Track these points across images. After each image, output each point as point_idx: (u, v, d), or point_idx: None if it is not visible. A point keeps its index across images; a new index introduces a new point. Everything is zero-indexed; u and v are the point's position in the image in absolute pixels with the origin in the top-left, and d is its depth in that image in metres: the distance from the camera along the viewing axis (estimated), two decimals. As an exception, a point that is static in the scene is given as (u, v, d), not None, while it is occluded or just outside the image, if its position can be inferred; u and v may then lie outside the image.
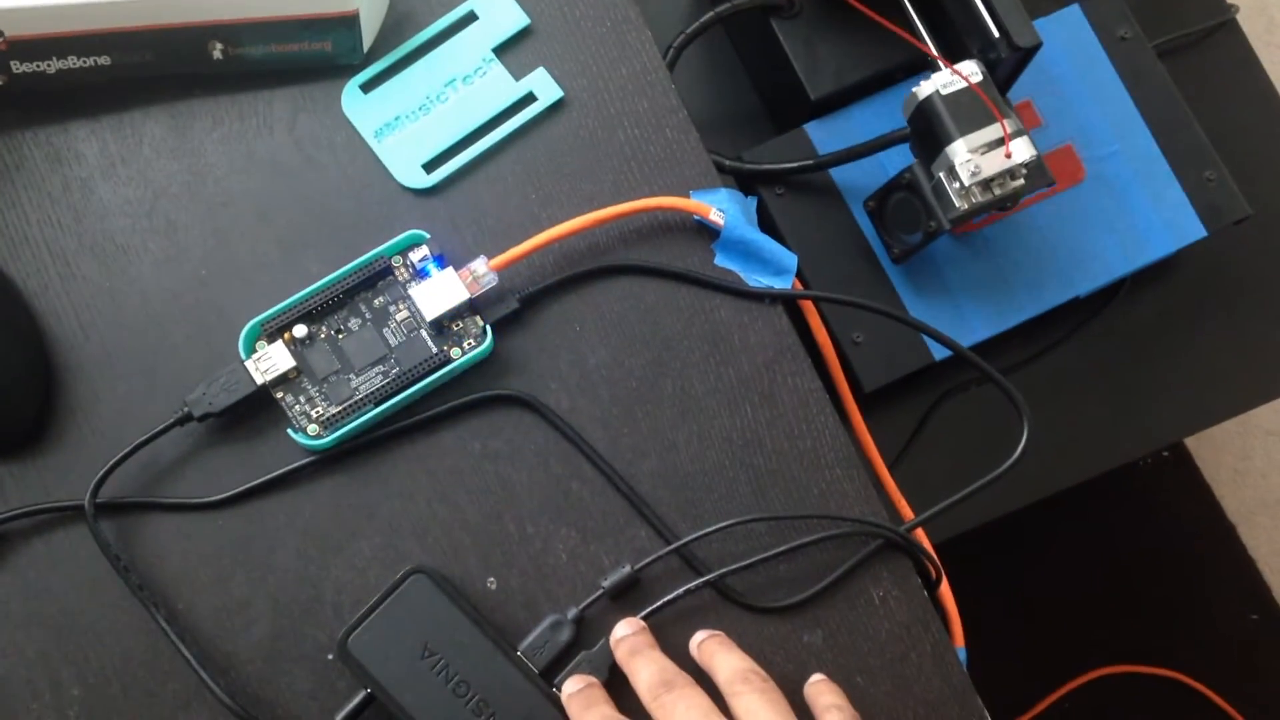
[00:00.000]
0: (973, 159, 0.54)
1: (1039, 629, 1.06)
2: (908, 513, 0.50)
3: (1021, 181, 0.56)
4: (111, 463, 0.43)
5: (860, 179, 0.67)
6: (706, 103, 0.73)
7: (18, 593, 0.44)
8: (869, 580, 0.46)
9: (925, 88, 0.55)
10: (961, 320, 0.66)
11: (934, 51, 0.58)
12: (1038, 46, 0.56)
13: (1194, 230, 0.68)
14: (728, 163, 0.65)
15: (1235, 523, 1.10)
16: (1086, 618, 1.08)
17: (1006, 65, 0.57)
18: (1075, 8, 0.70)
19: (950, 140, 0.55)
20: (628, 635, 0.44)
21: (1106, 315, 0.72)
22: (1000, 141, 0.55)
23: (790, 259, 0.48)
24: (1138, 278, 0.71)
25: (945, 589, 0.47)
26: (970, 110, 0.55)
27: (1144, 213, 0.68)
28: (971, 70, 0.55)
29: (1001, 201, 0.57)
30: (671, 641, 0.45)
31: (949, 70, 0.55)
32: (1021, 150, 0.55)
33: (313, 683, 0.44)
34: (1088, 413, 0.71)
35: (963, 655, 0.47)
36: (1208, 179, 0.68)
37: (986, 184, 0.56)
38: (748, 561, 0.45)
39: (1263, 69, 0.77)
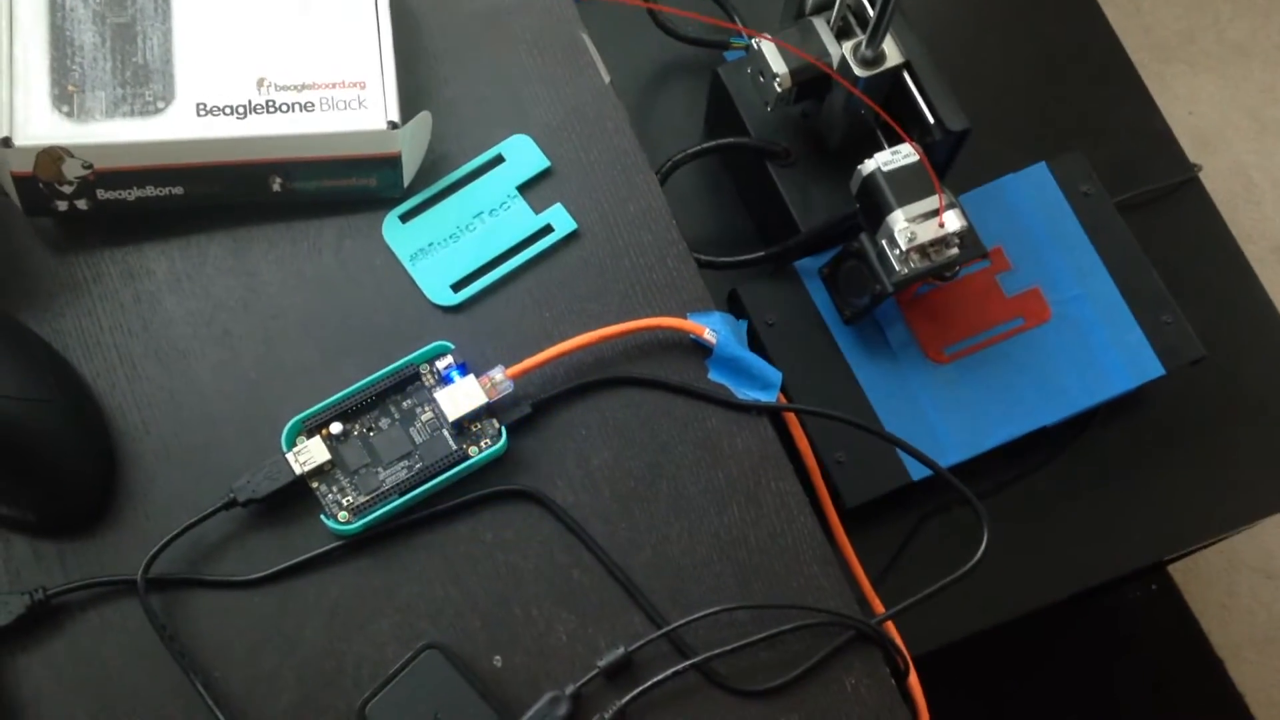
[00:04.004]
0: (910, 227, 0.62)
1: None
2: (880, 609, 0.55)
3: (956, 250, 0.63)
4: (162, 543, 0.48)
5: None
6: (698, 216, 0.80)
7: (72, 659, 0.49)
8: (841, 669, 0.50)
9: (869, 164, 0.63)
10: (937, 444, 0.71)
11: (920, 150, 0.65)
12: (967, 132, 0.64)
13: (1153, 369, 0.73)
14: (704, 258, 0.71)
15: (1223, 657, 1.12)
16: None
17: (942, 149, 0.65)
18: (1042, 165, 0.77)
19: (890, 210, 0.62)
20: None
21: (1077, 446, 0.77)
22: (933, 213, 0.61)
23: (775, 375, 0.53)
24: (1107, 411, 0.76)
25: (914, 680, 0.51)
26: (908, 185, 0.63)
27: (1106, 351, 0.73)
28: (911, 150, 0.63)
29: (939, 269, 0.64)
30: (661, 723, 0.49)
31: (889, 150, 0.62)
32: (953, 221, 0.62)
33: (333, 747, 0.48)
34: (1061, 535, 0.75)
35: (929, 745, 0.51)
36: (1165, 322, 0.73)
37: (924, 250, 0.63)
38: (731, 646, 0.49)
39: (1224, 223, 0.83)
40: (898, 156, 0.64)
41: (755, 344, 0.70)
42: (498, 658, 0.50)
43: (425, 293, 0.54)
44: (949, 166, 0.70)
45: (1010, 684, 1.09)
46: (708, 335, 0.53)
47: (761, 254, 0.73)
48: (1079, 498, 0.77)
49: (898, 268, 0.64)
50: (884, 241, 0.64)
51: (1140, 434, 0.78)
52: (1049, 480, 0.77)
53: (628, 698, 0.48)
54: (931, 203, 0.63)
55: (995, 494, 0.76)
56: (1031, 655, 1.10)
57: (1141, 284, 0.75)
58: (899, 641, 0.51)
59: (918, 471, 0.71)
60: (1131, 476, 0.77)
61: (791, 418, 0.54)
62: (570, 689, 0.48)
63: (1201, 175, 0.83)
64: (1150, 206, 0.82)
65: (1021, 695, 1.10)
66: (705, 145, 0.73)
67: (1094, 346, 0.74)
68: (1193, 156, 0.84)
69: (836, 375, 0.72)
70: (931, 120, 0.65)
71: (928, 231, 0.63)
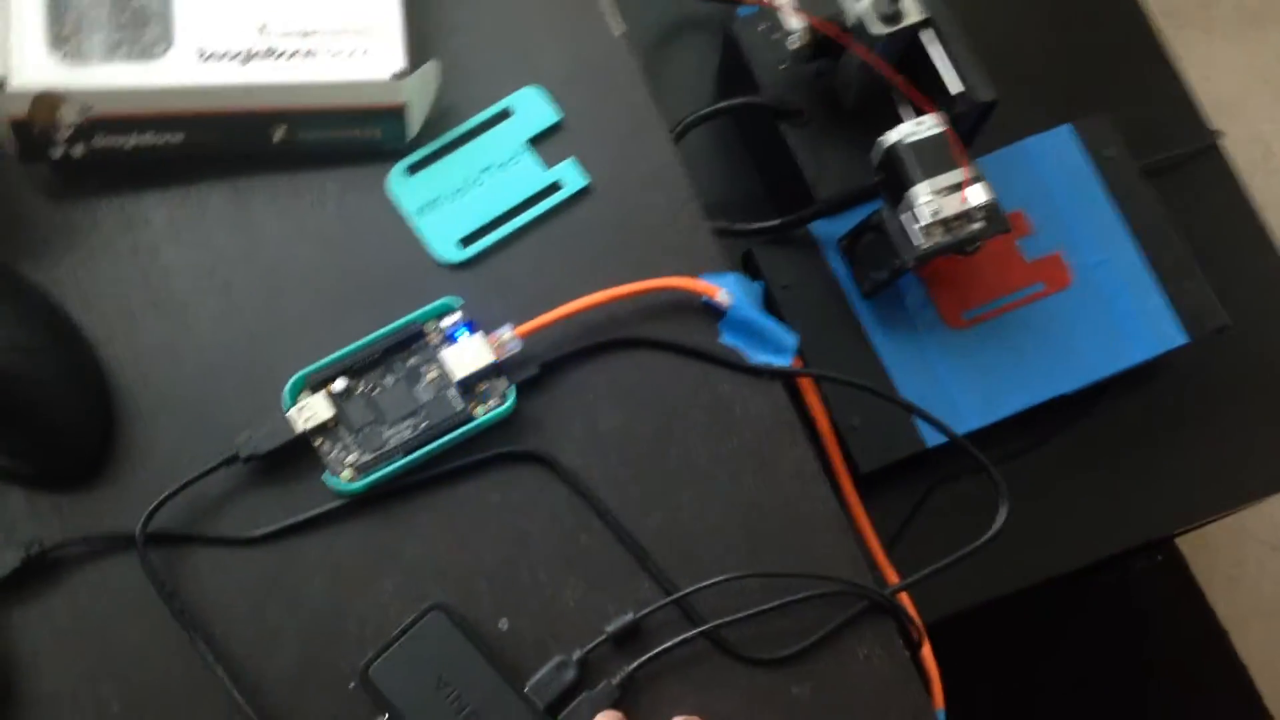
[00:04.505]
0: (934, 200, 0.60)
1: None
2: (894, 578, 0.54)
3: (980, 224, 0.61)
4: (162, 498, 0.47)
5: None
6: (709, 180, 0.79)
7: (69, 614, 0.48)
8: (855, 639, 0.49)
9: (891, 136, 0.61)
10: (953, 410, 0.70)
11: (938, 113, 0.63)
12: (995, 103, 0.62)
13: (1175, 336, 0.72)
14: (716, 225, 0.69)
15: (1228, 628, 1.11)
16: (1073, 714, 1.09)
17: (967, 120, 0.63)
18: (1068, 126, 0.75)
19: (913, 183, 0.60)
20: None
21: (1095, 414, 0.76)
22: (957, 186, 0.60)
23: (790, 339, 0.52)
24: (1125, 380, 0.75)
25: (927, 651, 0.51)
26: (932, 157, 0.61)
27: (1128, 318, 0.72)
28: (937, 120, 0.61)
29: (961, 243, 0.62)
30: (664, 692, 0.48)
31: (914, 121, 0.60)
32: (978, 194, 0.60)
33: (335, 708, 0.47)
34: (1075, 505, 0.75)
35: (941, 717, 0.50)
36: (1189, 289, 0.72)
37: (946, 224, 0.61)
38: (742, 614, 0.48)
39: (1244, 190, 0.81)
40: (922, 127, 0.62)
41: (770, 307, 0.69)
42: (504, 621, 0.49)
43: (431, 248, 0.53)
44: (973, 137, 0.68)
45: (1012, 653, 1.08)
46: (721, 296, 0.52)
47: (776, 222, 0.71)
48: (1093, 467, 0.76)
49: (918, 242, 0.62)
50: (905, 215, 0.63)
51: (1156, 403, 0.77)
52: (1063, 449, 0.76)
53: (635, 664, 0.47)
54: (956, 175, 0.61)
55: (1008, 462, 0.75)
56: (1035, 625, 1.10)
57: (1165, 250, 0.73)
58: (913, 612, 0.50)
59: (932, 439, 0.70)
60: (1147, 447, 0.77)
61: (806, 383, 0.53)
62: (577, 654, 0.48)
63: (1221, 141, 0.82)
64: (1170, 173, 0.81)
65: (1024, 664, 1.09)
66: (718, 106, 0.72)
67: (1115, 313, 0.73)
68: (1210, 123, 0.82)
69: (852, 340, 0.71)
70: (958, 87, 0.63)
71: (951, 205, 0.61)
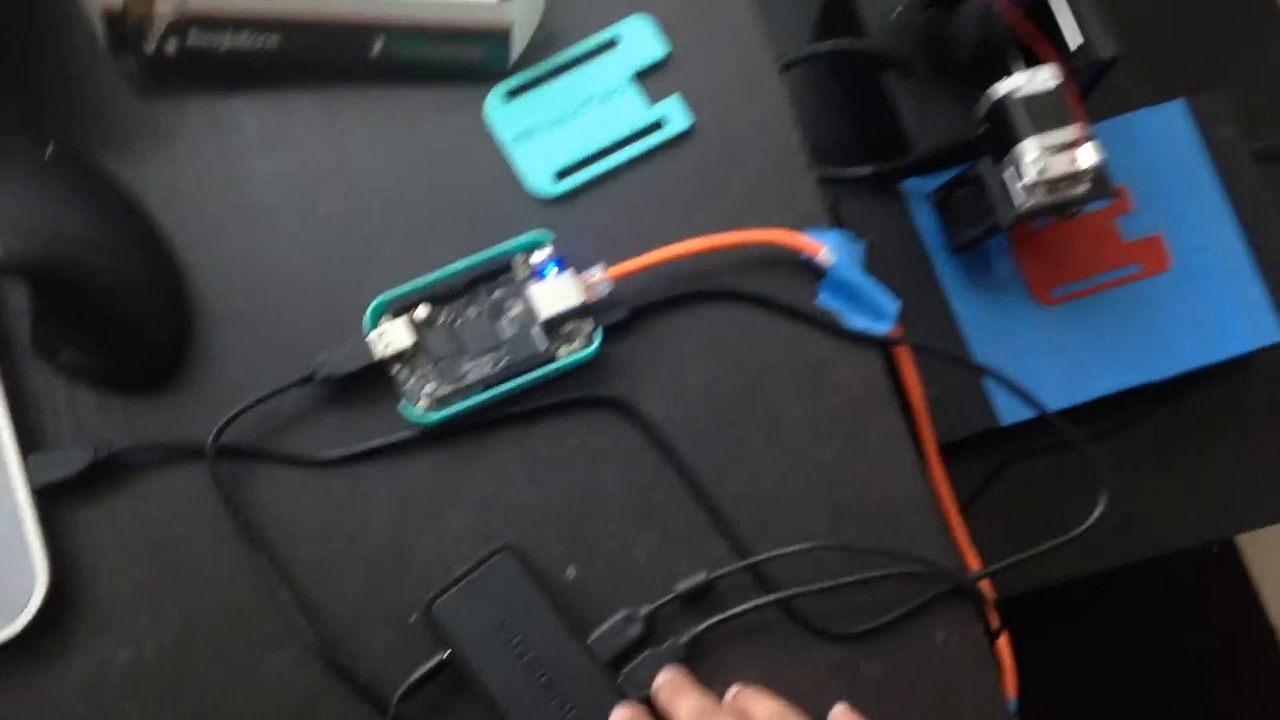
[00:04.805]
0: (1041, 158, 0.57)
1: (1064, 702, 1.05)
2: (974, 563, 0.52)
3: (1086, 187, 0.59)
4: (236, 411, 0.46)
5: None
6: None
7: (133, 519, 0.47)
8: (932, 622, 0.48)
9: (1002, 87, 0.58)
10: (1032, 389, 0.68)
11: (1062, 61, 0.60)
12: (1115, 59, 0.59)
13: (1271, 333, 0.69)
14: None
15: (1277, 627, 1.10)
16: (1115, 698, 1.08)
17: (1084, 77, 0.60)
18: (1181, 102, 0.72)
19: (1021, 138, 0.58)
20: (667, 680, 0.45)
21: (1178, 405, 0.73)
22: (1068, 145, 0.57)
23: (892, 305, 0.50)
24: (1213, 373, 0.72)
25: (1003, 641, 0.49)
26: (1043, 112, 0.58)
27: (1224, 309, 0.69)
28: (1053, 73, 0.58)
29: (1063, 206, 0.60)
30: (730, 656, 0.47)
31: (1028, 72, 0.58)
32: (1088, 155, 0.57)
33: (394, 641, 0.46)
34: (1143, 497, 0.72)
35: (1011, 708, 0.48)
36: None
37: (1050, 185, 0.59)
38: (820, 585, 0.47)
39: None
40: (1035, 80, 0.59)
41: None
42: (571, 569, 0.47)
43: (525, 179, 0.51)
44: (1085, 97, 0.65)
45: (1057, 631, 1.07)
46: (823, 255, 0.49)
47: (869, 171, 0.69)
48: (1169, 459, 0.73)
49: (1019, 201, 0.60)
50: (1008, 171, 0.60)
51: (1242, 399, 0.74)
52: (1140, 437, 0.73)
53: (704, 625, 0.46)
54: (1067, 133, 0.58)
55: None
56: (1083, 607, 1.09)
57: (1271, 241, 0.70)
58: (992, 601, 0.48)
59: (1007, 417, 0.67)
60: (1228, 442, 0.74)
61: (903, 352, 0.51)
62: (645, 610, 0.46)
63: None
64: None
65: (1066, 646, 1.08)
66: (822, 46, 0.69)
67: (1211, 303, 0.70)
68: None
69: (932, 305, 0.69)
70: (1078, 40, 0.60)
71: (1059, 165, 0.58)
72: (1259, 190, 0.71)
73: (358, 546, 0.47)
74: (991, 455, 0.72)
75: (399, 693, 0.44)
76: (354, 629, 0.46)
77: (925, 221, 0.69)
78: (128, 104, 0.51)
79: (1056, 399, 0.68)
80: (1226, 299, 0.70)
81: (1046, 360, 0.69)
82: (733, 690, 0.46)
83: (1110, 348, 0.69)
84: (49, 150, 0.47)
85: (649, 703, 0.45)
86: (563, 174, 0.51)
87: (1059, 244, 0.70)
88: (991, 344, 0.69)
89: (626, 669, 0.46)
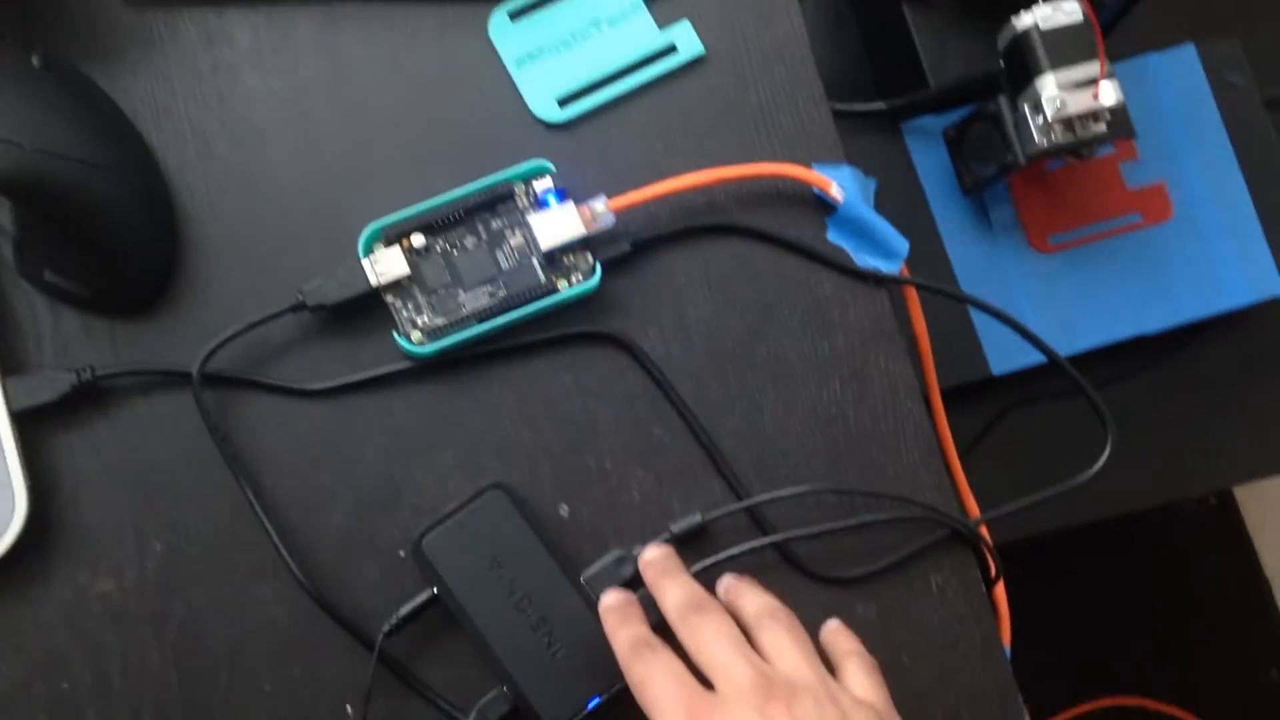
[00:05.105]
0: (1060, 95, 0.56)
1: (1055, 650, 1.06)
2: (974, 508, 0.51)
3: (1104, 127, 0.57)
4: (224, 337, 0.45)
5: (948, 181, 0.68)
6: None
7: (116, 446, 0.46)
8: (930, 567, 0.47)
9: (1024, 19, 0.57)
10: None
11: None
12: None
13: (1273, 286, 0.68)
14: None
15: (1270, 578, 1.09)
16: (1106, 646, 1.08)
17: (1108, 12, 0.59)
18: (1190, 47, 0.69)
19: (1041, 73, 0.56)
20: (657, 557, 0.44)
21: (1176, 357, 0.72)
22: (1089, 82, 0.56)
23: (902, 244, 0.48)
24: (1212, 325, 0.71)
25: (1000, 588, 0.48)
26: (1065, 47, 0.56)
27: (1225, 261, 0.68)
28: (1076, 6, 0.56)
29: (1079, 145, 0.58)
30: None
31: (1049, 4, 0.56)
32: (1109, 93, 0.56)
33: (382, 576, 0.45)
34: (1144, 448, 0.71)
35: (1007, 655, 0.48)
36: None
37: (1069, 123, 0.57)
38: (817, 529, 0.46)
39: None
40: (1059, 13, 0.57)
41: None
42: (565, 507, 0.46)
43: (528, 104, 0.49)
44: (1108, 34, 0.63)
45: (1052, 579, 1.07)
46: (834, 191, 0.48)
47: (882, 105, 0.67)
48: (1168, 410, 0.72)
49: (1037, 139, 0.58)
50: (1026, 107, 0.58)
51: (1243, 351, 0.73)
52: (1140, 388, 0.72)
53: (698, 567, 0.45)
54: (1088, 70, 0.57)
55: (1072, 397, 0.71)
56: (1079, 555, 1.08)
57: (1277, 192, 0.68)
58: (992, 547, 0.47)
59: (999, 366, 0.66)
60: (1228, 395, 0.73)
61: (911, 293, 0.49)
62: (638, 550, 0.45)
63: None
64: None
65: (1062, 592, 1.08)
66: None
67: (1213, 254, 0.68)
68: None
69: (927, 249, 0.67)
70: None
71: (1079, 102, 0.57)
72: (1267, 139, 0.69)
73: (347, 479, 0.46)
74: (988, 405, 0.71)
75: (386, 628, 0.43)
76: (343, 563, 0.45)
77: (925, 163, 0.68)
78: (119, 14, 0.49)
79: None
80: (1228, 251, 0.68)
81: (1042, 309, 0.67)
82: (724, 582, 0.45)
83: (1107, 298, 0.68)
84: (35, 59, 0.45)
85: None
86: (566, 100, 0.49)
87: (1060, 190, 0.68)
88: (985, 291, 0.67)
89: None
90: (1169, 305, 0.68)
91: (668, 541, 0.45)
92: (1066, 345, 0.67)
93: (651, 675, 0.39)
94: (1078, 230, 0.69)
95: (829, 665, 0.42)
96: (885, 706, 0.40)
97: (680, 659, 0.40)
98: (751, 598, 0.43)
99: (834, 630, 0.44)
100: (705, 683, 0.39)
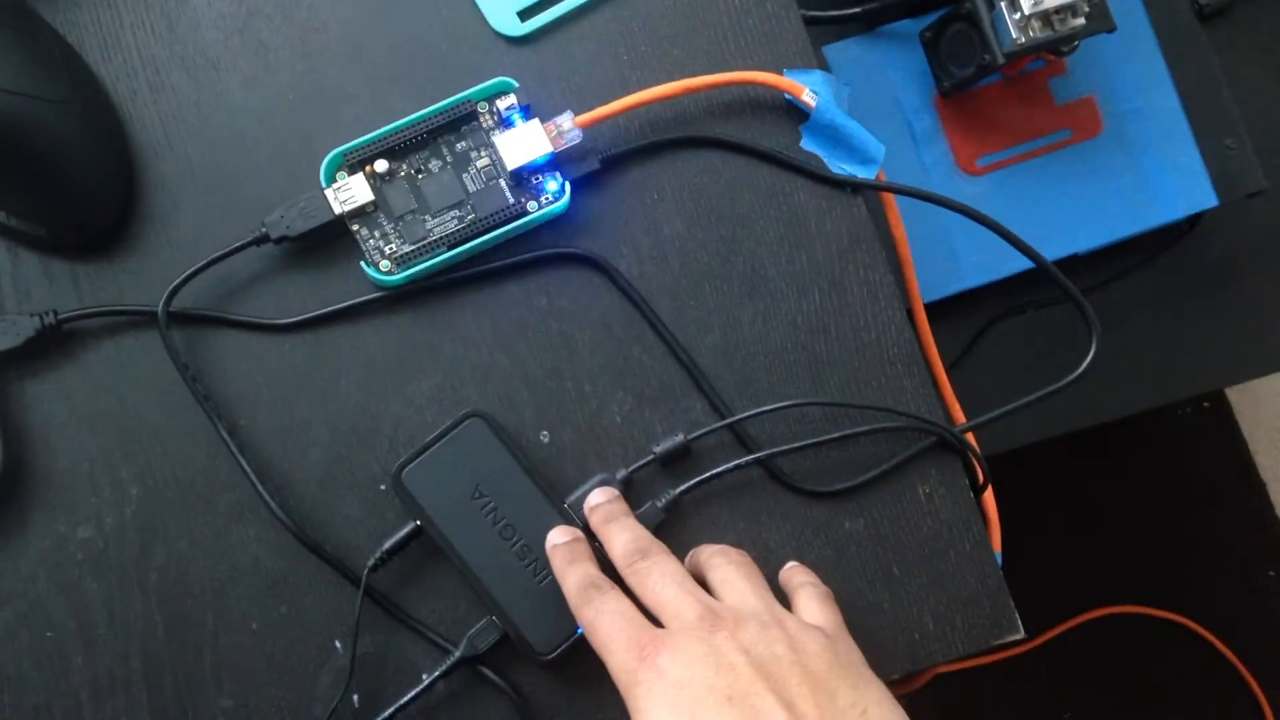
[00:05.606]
0: None
1: (1054, 560, 1.07)
2: (960, 416, 0.50)
3: (1083, 21, 0.56)
4: (187, 274, 0.44)
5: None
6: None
7: (84, 389, 0.45)
8: (917, 476, 0.46)
9: None
10: (953, 264, 0.65)
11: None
12: None
13: (1206, 198, 0.66)
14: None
15: (1266, 480, 1.10)
16: (1104, 555, 1.09)
17: None
18: (1122, -50, 0.67)
19: None
20: (603, 503, 0.44)
21: (1164, 260, 0.71)
22: None
23: (879, 149, 0.47)
24: (1156, 238, 0.69)
25: (989, 494, 0.48)
26: None
27: (1158, 174, 0.66)
28: None
29: (1058, 42, 0.57)
30: (712, 518, 0.46)
31: None
32: None
33: (363, 510, 0.45)
34: (1134, 353, 0.71)
35: (998, 560, 0.47)
36: (1228, 146, 0.66)
37: (1047, 18, 0.56)
38: (800, 444, 0.45)
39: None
40: None
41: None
42: (545, 433, 0.46)
43: (488, 19, 0.47)
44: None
45: (1050, 488, 1.07)
46: (806, 96, 0.46)
47: (857, 10, 0.65)
48: (1159, 313, 0.72)
49: (1014, 35, 0.57)
50: (1003, 4, 0.57)
51: (1231, 253, 0.72)
52: (1122, 296, 0.71)
53: (683, 487, 0.45)
54: (1064, -39, 0.55)
55: (1058, 309, 0.70)
56: (1076, 464, 1.08)
57: (1208, 102, 0.67)
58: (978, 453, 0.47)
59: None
60: (1216, 296, 0.72)
61: (889, 199, 0.48)
62: (622, 473, 0.45)
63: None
64: (1226, 17, 0.73)
65: (1060, 502, 1.08)
66: None
67: (1145, 168, 0.67)
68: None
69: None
70: None
71: None
72: (1198, 49, 0.67)
73: (323, 413, 0.45)
74: (972, 319, 0.70)
75: (370, 563, 0.43)
76: (322, 499, 0.45)
77: (898, 68, 0.66)
78: (55, -57, 0.47)
79: (980, 274, 0.65)
80: (1160, 164, 0.66)
81: (972, 233, 0.66)
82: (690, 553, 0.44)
83: (1038, 218, 0.66)
84: (-28, -6, 0.43)
85: None
86: (527, 13, 0.48)
87: (987, 109, 0.66)
88: (915, 215, 0.65)
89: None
90: (1101, 223, 0.67)
91: (651, 463, 0.45)
92: (995, 269, 0.66)
93: (600, 616, 0.39)
94: (1005, 150, 0.67)
95: (786, 603, 0.42)
96: (836, 629, 0.40)
97: (630, 599, 0.40)
98: (706, 547, 0.43)
99: (790, 568, 0.44)
100: (657, 625, 0.39)
